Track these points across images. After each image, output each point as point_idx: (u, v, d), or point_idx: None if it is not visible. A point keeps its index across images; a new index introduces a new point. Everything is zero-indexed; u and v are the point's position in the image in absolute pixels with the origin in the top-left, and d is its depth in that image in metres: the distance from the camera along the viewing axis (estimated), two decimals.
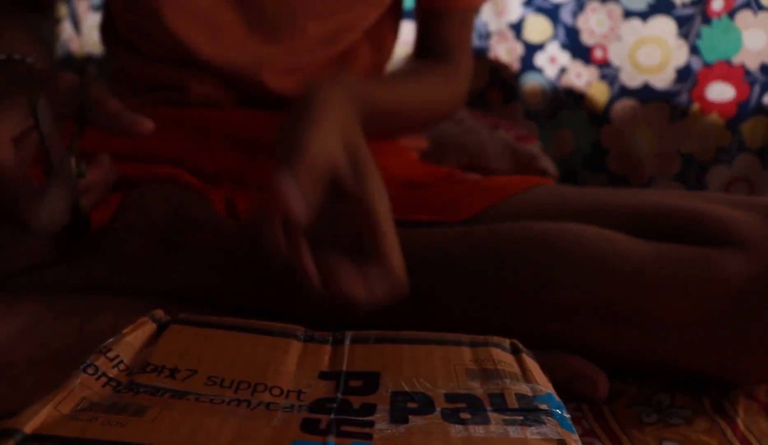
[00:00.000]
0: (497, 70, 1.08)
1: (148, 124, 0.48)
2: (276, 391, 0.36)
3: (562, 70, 1.03)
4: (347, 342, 0.41)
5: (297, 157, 0.42)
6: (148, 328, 0.41)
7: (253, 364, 0.38)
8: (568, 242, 0.52)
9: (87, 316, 0.51)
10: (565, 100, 1.04)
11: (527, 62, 1.06)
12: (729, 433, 0.48)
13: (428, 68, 0.70)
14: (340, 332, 0.42)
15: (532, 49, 1.05)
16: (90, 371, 0.35)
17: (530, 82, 1.06)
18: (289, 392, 0.36)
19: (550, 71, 1.04)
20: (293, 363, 0.38)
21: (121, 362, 0.37)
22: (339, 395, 0.35)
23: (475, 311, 0.53)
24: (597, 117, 1.02)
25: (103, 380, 0.35)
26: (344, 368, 0.38)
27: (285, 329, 0.42)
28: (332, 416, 0.33)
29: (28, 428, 0.30)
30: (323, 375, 0.38)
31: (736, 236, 0.50)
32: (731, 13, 0.91)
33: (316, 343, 0.41)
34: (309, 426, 0.32)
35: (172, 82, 0.67)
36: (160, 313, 0.42)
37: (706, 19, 0.93)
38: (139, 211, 0.58)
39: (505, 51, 1.06)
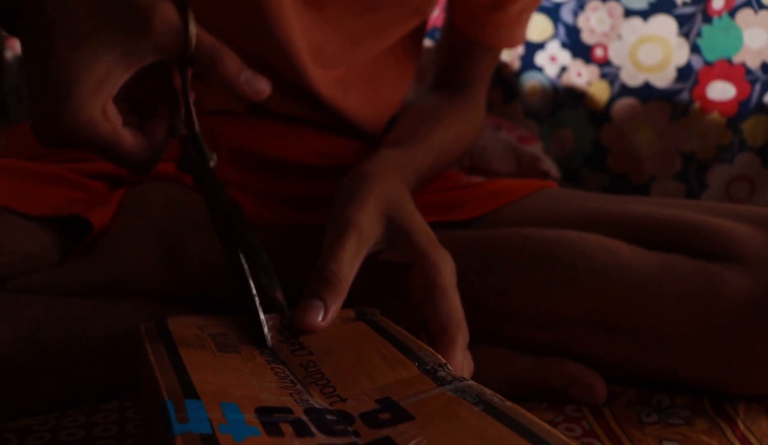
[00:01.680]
0: (497, 69, 1.08)
1: (267, 87, 0.41)
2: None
3: (563, 69, 1.03)
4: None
5: (331, 275, 0.42)
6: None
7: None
8: (571, 254, 0.52)
9: (87, 322, 0.51)
10: (565, 99, 1.04)
11: (528, 61, 1.06)
12: (729, 433, 0.48)
13: (453, 108, 0.67)
14: None
15: (532, 48, 1.05)
16: None
17: (531, 81, 1.06)
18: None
19: (551, 70, 1.04)
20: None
21: None
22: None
23: (472, 317, 0.53)
24: (597, 116, 1.02)
25: None
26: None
27: None
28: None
29: None
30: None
31: (738, 252, 0.50)
32: (732, 12, 0.91)
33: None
34: None
35: None
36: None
37: (707, 18, 0.93)
38: (139, 212, 0.58)
39: (506, 50, 1.06)
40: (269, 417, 0.31)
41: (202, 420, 0.30)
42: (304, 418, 0.32)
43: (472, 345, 0.55)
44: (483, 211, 0.59)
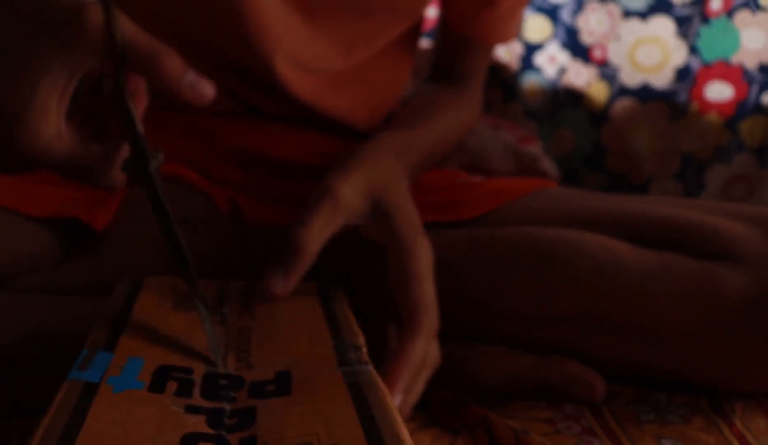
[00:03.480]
0: (497, 69, 1.08)
1: (210, 91, 0.39)
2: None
3: (562, 70, 1.04)
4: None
5: (297, 253, 0.42)
6: None
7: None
8: (570, 253, 0.52)
9: (87, 322, 0.52)
10: (564, 99, 1.04)
11: (527, 62, 1.06)
12: (726, 431, 0.48)
13: (451, 95, 0.68)
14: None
15: (531, 48, 1.05)
16: None
17: (530, 81, 1.06)
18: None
19: (550, 71, 1.04)
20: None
21: None
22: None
23: (471, 315, 0.53)
24: (597, 116, 1.02)
25: None
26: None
27: None
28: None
29: None
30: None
31: (736, 251, 0.50)
32: (730, 13, 0.91)
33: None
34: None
35: None
36: None
37: (705, 19, 0.93)
38: (140, 212, 0.58)
39: (505, 50, 1.06)
40: (164, 375, 0.33)
41: (99, 371, 0.32)
42: (196, 379, 0.34)
43: (473, 344, 0.55)
44: (483, 211, 0.59)
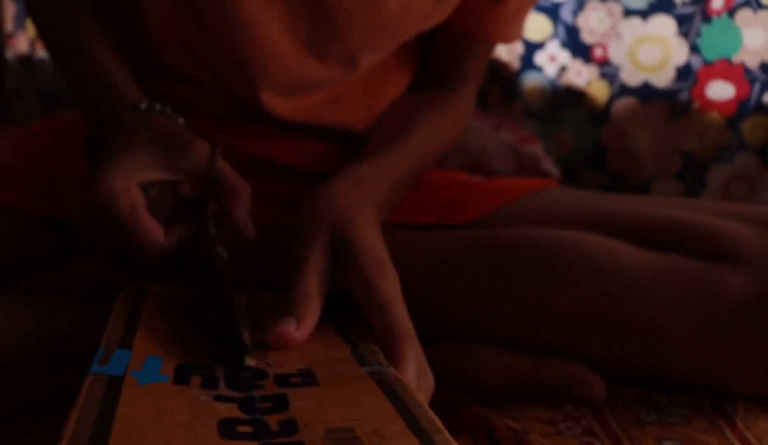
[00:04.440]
0: (497, 68, 1.08)
1: (253, 235, 0.48)
2: None
3: (562, 69, 1.03)
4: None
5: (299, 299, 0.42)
6: None
7: None
8: (570, 254, 0.52)
9: (88, 323, 0.52)
10: (565, 98, 1.04)
11: (527, 61, 1.05)
12: (728, 432, 0.48)
13: (432, 105, 0.65)
14: None
15: (532, 47, 1.05)
16: None
17: (530, 80, 1.06)
18: None
19: (550, 70, 1.04)
20: None
21: None
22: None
23: (471, 316, 0.53)
24: (597, 116, 1.02)
25: None
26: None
27: None
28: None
29: None
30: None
31: (738, 252, 0.50)
32: (731, 12, 0.91)
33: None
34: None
35: (179, 94, 0.66)
36: None
37: (706, 18, 0.93)
38: None
39: (505, 50, 1.06)
40: (186, 371, 0.33)
41: (121, 365, 0.32)
42: (219, 375, 0.34)
43: (473, 345, 0.55)
44: (483, 212, 0.59)
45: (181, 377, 0.33)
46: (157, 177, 0.46)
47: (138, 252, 0.44)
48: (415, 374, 0.39)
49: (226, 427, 0.29)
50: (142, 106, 0.50)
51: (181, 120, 0.52)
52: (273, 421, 0.29)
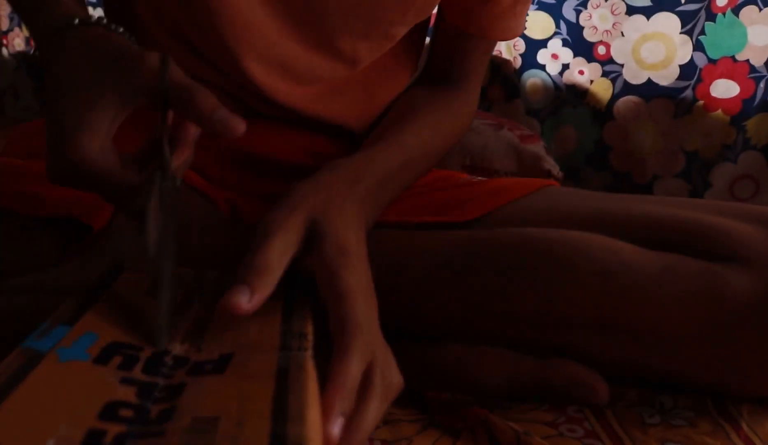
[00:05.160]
0: (498, 67, 1.08)
1: (241, 126, 0.43)
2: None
3: (565, 67, 1.03)
4: None
5: (256, 268, 0.41)
6: None
7: None
8: (572, 254, 0.51)
9: None
10: (567, 97, 1.04)
11: (529, 59, 1.05)
12: (733, 435, 0.48)
13: (431, 103, 0.65)
14: None
15: (534, 45, 1.04)
16: None
17: (532, 79, 1.05)
18: None
19: (552, 68, 1.04)
20: None
21: None
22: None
23: (472, 317, 0.53)
24: (600, 114, 1.02)
25: None
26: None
27: None
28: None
29: None
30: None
31: (741, 252, 0.50)
32: (736, 9, 0.90)
33: None
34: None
35: None
36: None
37: (711, 15, 0.92)
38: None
39: (507, 48, 1.06)
40: (112, 350, 0.35)
41: (51, 341, 0.34)
42: (142, 356, 0.36)
43: (474, 345, 0.55)
44: (484, 211, 0.58)
45: (102, 357, 0.34)
46: (121, 117, 0.44)
47: (114, 197, 0.44)
48: (359, 370, 0.39)
49: (110, 409, 0.30)
50: (75, 21, 0.47)
51: (120, 30, 0.47)
52: (156, 409, 0.31)
